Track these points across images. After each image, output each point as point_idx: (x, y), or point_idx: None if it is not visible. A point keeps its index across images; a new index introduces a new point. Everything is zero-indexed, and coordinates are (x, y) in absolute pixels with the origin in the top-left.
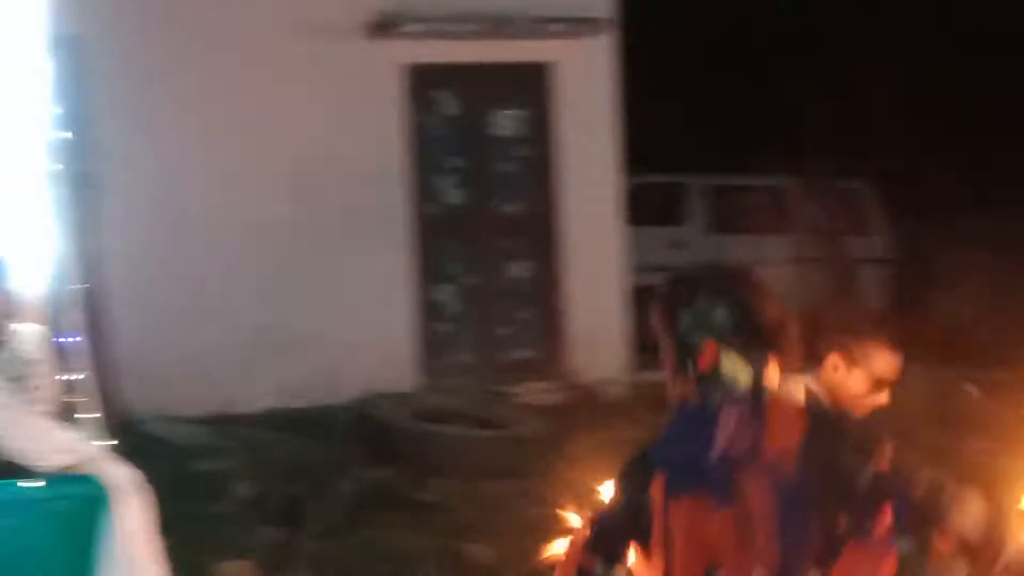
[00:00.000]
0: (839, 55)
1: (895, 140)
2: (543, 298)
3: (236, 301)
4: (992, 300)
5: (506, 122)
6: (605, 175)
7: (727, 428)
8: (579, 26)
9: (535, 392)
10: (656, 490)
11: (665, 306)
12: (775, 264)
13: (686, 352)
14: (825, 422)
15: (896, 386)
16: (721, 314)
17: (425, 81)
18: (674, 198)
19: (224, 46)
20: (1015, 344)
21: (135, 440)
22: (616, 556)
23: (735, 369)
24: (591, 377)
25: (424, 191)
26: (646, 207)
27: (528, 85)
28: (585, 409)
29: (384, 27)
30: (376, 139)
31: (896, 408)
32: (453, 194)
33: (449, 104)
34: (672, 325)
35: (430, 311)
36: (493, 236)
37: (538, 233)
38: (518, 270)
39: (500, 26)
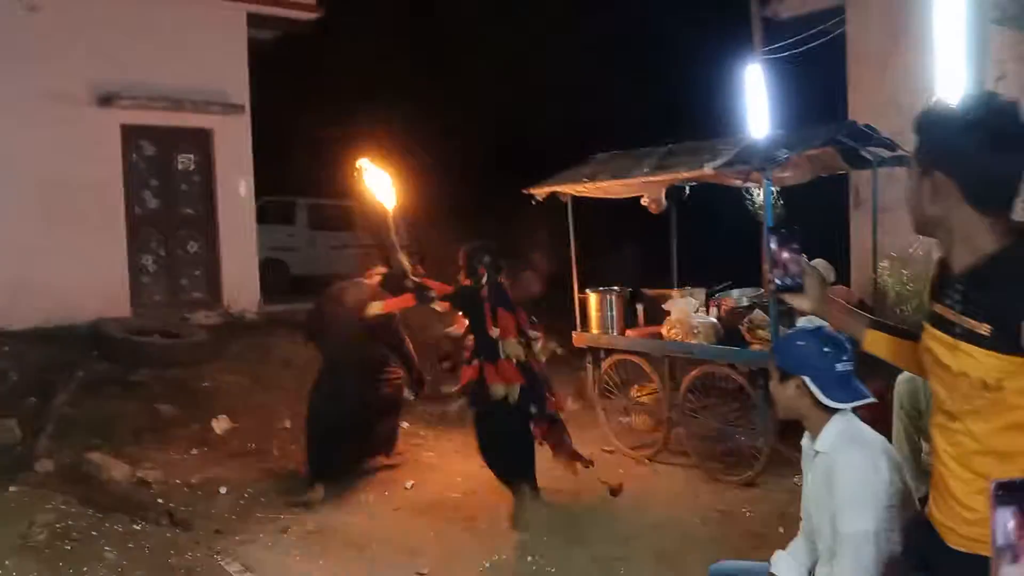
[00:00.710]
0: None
1: (412, 185)
2: (208, 263)
3: (10, 258)
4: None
5: (186, 161)
6: (245, 194)
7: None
8: (228, 108)
9: (203, 318)
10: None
11: (468, 254)
12: (346, 246)
13: (475, 272)
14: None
15: None
16: (489, 258)
17: (134, 134)
18: (289, 209)
19: (2, 105)
20: None
21: None
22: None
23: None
24: (236, 308)
25: (134, 200)
26: (272, 214)
27: (199, 140)
28: (233, 327)
29: (107, 100)
30: (103, 169)
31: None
32: (152, 202)
33: (149, 149)
34: (470, 260)
35: (138, 270)
36: (178, 226)
37: (206, 225)
38: (193, 247)
39: (181, 104)
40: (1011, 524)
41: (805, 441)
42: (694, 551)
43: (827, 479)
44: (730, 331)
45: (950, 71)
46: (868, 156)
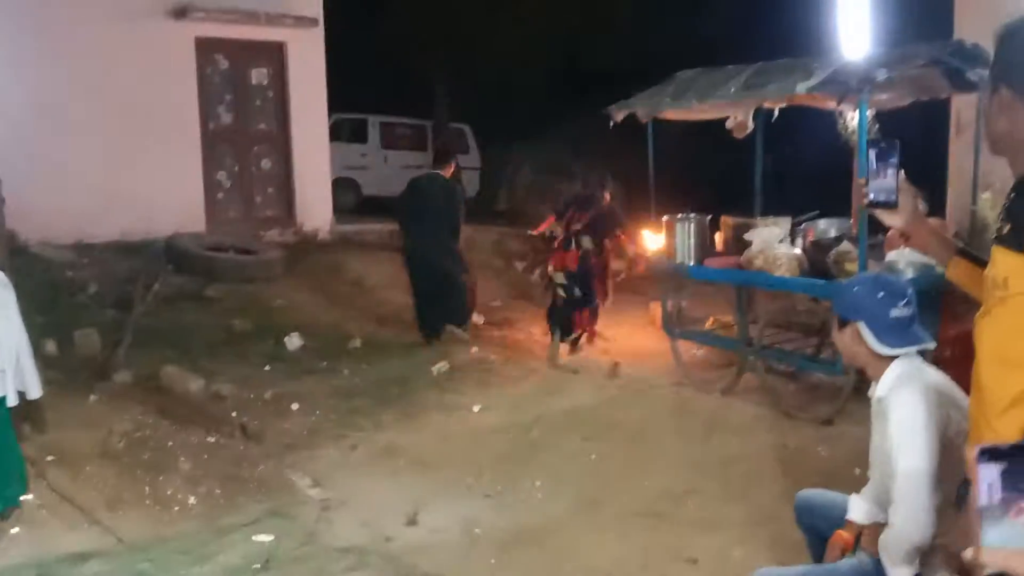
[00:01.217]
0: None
1: (485, 104)
2: (282, 181)
3: (93, 173)
4: (531, 190)
5: (259, 75)
6: (318, 111)
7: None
8: (301, 20)
9: (277, 235)
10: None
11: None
12: (418, 166)
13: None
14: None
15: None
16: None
17: (208, 48)
18: (361, 127)
19: (81, 21)
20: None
21: (23, 258)
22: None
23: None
24: (309, 227)
25: (208, 115)
26: (345, 132)
27: (272, 54)
28: (305, 245)
29: (180, 12)
30: (178, 82)
31: (478, 247)
32: (226, 117)
33: (223, 63)
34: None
35: (213, 186)
36: (252, 143)
37: (279, 142)
38: (267, 164)
39: (254, 17)
40: (996, 485)
41: (871, 390)
42: (763, 486)
43: (886, 422)
44: (815, 263)
45: None
46: (974, 78)
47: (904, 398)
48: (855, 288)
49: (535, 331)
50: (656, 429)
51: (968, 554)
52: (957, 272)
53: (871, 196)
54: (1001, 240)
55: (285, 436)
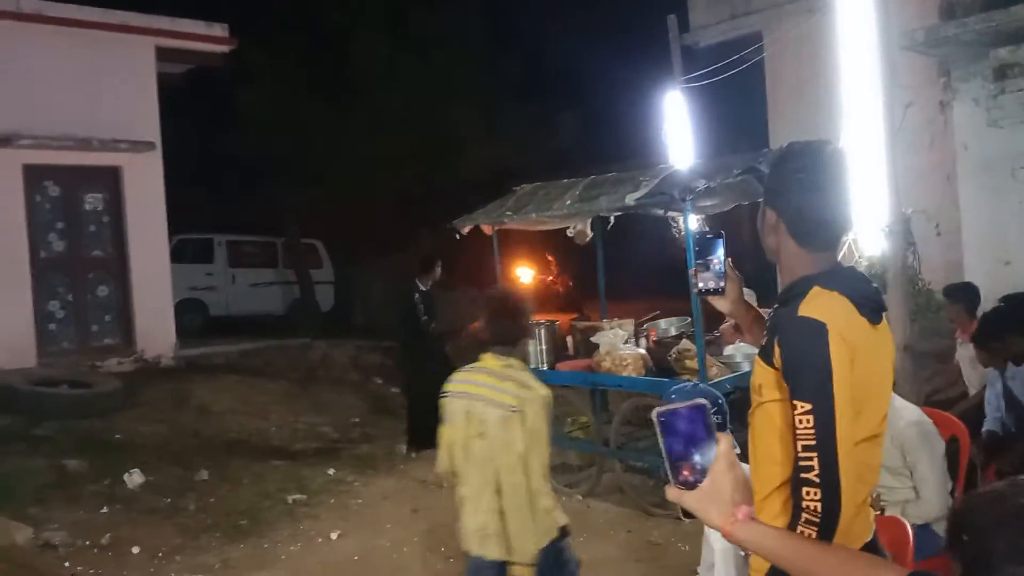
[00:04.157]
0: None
1: (336, 219)
2: (120, 307)
3: None
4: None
5: (94, 200)
6: (157, 233)
7: None
8: (137, 144)
9: (115, 365)
10: None
11: None
12: (267, 283)
13: None
14: None
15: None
16: None
17: (37, 175)
18: (207, 247)
19: None
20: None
21: None
22: None
23: None
24: (151, 354)
25: (39, 243)
26: (190, 253)
27: (107, 178)
28: (147, 373)
29: (5, 140)
30: (4, 212)
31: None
32: (59, 244)
33: (55, 189)
34: None
35: (44, 317)
36: (87, 269)
37: (116, 267)
38: (103, 290)
39: (87, 143)
40: (672, 441)
41: None
42: None
43: None
44: (658, 361)
45: (862, 97)
46: None
47: None
48: (672, 395)
49: (395, 446)
50: None
51: (667, 491)
52: None
53: (700, 285)
54: (760, 351)
55: None
